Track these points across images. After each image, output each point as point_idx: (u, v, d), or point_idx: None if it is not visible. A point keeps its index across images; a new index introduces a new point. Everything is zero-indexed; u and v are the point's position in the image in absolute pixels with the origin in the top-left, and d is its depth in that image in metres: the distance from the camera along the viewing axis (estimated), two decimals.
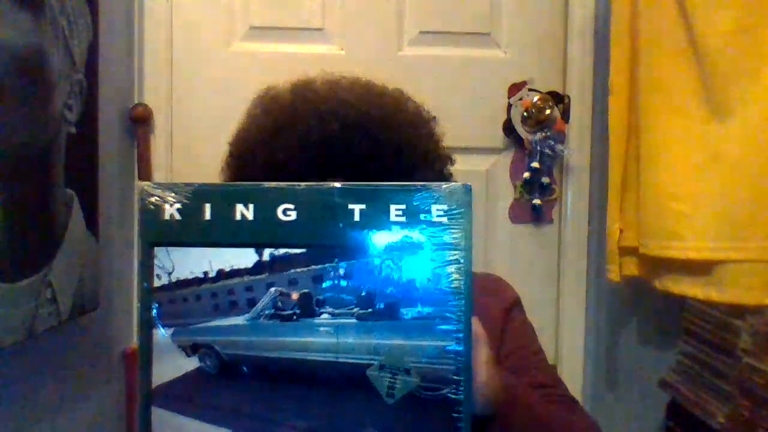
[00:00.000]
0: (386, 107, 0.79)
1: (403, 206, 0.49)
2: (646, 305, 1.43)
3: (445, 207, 0.49)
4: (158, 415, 0.50)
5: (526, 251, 1.50)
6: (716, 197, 1.09)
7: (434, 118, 0.82)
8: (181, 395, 0.51)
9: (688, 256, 1.11)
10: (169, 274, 0.50)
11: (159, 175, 1.41)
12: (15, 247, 0.89)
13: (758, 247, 1.06)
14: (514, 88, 1.47)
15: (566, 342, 1.49)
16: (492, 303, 0.83)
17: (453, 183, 0.49)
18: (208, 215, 0.50)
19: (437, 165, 0.81)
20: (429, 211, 0.49)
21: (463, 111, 1.43)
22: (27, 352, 0.97)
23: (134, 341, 1.38)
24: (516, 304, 0.86)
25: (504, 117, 1.46)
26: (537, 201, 1.47)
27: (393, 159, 0.75)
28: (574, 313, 1.49)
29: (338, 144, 0.74)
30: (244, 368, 0.50)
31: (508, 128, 1.46)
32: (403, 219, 0.49)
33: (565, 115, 1.46)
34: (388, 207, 0.49)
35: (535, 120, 1.45)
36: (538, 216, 1.49)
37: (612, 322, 1.49)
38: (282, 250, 0.50)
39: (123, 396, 1.35)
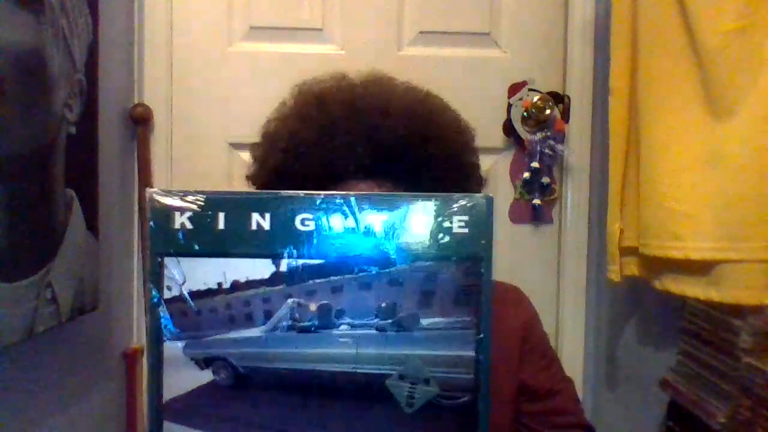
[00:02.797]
0: (444, 115, 0.79)
1: (424, 217, 0.48)
2: (646, 305, 1.43)
3: (466, 218, 0.48)
4: (170, 429, 0.49)
5: (526, 251, 1.50)
6: (716, 197, 1.09)
7: (472, 129, 0.83)
8: (195, 409, 0.50)
9: (688, 256, 1.11)
10: (181, 285, 0.49)
11: (159, 175, 1.41)
12: (15, 247, 0.89)
13: (758, 247, 1.06)
14: (514, 88, 1.47)
15: (566, 342, 1.49)
16: (513, 316, 0.84)
17: (474, 194, 0.49)
18: (221, 224, 0.49)
19: (477, 176, 0.82)
20: (451, 222, 0.48)
21: (463, 111, 1.41)
22: (27, 352, 0.97)
23: (134, 341, 1.38)
24: (535, 317, 0.88)
25: (504, 117, 1.46)
26: (537, 201, 1.47)
27: (446, 168, 0.75)
28: (574, 313, 1.49)
29: (401, 146, 0.73)
30: (261, 381, 0.49)
31: (508, 128, 1.46)
32: (423, 230, 0.48)
33: (565, 115, 1.46)
34: (409, 217, 0.48)
35: (535, 120, 1.45)
36: (538, 216, 1.49)
37: (612, 322, 1.49)
38: (300, 261, 0.49)
39: (123, 396, 1.35)
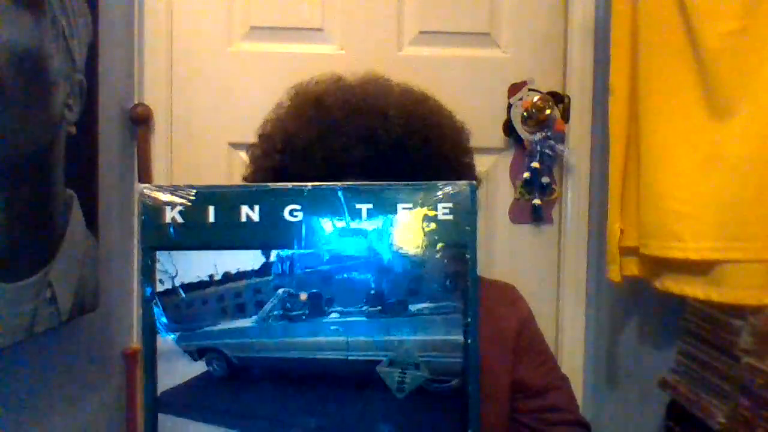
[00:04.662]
0: (441, 116, 0.80)
1: (410, 205, 0.49)
2: (646, 305, 1.43)
3: (450, 205, 0.49)
4: (165, 421, 0.50)
5: (526, 251, 1.50)
6: (716, 197, 1.09)
7: (467, 129, 0.85)
8: (189, 400, 0.50)
9: (688, 256, 1.11)
10: (173, 278, 0.50)
11: (159, 175, 1.41)
12: (15, 247, 0.89)
13: (758, 247, 1.06)
14: (514, 88, 1.47)
15: (566, 342, 1.49)
16: (508, 314, 0.85)
17: (458, 182, 0.50)
18: (212, 218, 0.50)
19: (473, 176, 0.84)
20: (436, 210, 0.49)
21: (463, 111, 1.42)
22: (27, 352, 0.97)
23: (134, 341, 1.38)
24: (530, 315, 0.88)
25: (504, 117, 1.46)
26: (537, 201, 1.47)
27: (442, 168, 0.76)
28: (574, 313, 1.49)
29: (400, 147, 0.74)
30: (254, 370, 0.50)
31: (508, 128, 1.46)
32: (409, 217, 0.49)
33: (565, 115, 1.46)
34: (395, 206, 0.49)
35: (535, 120, 1.45)
36: (538, 216, 1.49)
37: (612, 322, 1.49)
38: (290, 251, 0.50)
39: (123, 396, 1.35)
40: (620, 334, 1.49)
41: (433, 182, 0.50)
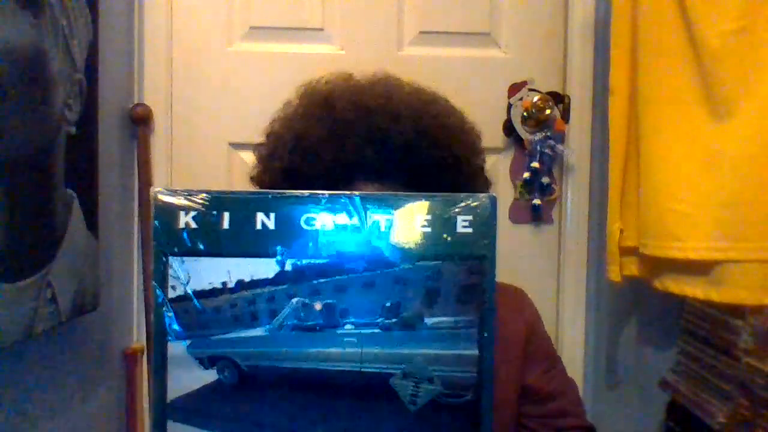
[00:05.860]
0: (452, 117, 0.79)
1: (429, 216, 0.49)
2: (646, 305, 1.43)
3: (470, 218, 0.49)
4: (175, 429, 0.49)
5: (526, 251, 1.50)
6: (716, 197, 1.09)
7: (478, 131, 0.83)
8: (199, 408, 0.50)
9: (688, 256, 1.11)
10: (185, 284, 0.49)
11: (159, 175, 1.41)
12: (15, 247, 0.89)
13: (758, 247, 1.06)
14: (514, 88, 1.46)
15: (566, 342, 1.49)
16: (516, 319, 0.84)
17: (478, 194, 0.49)
18: (226, 224, 0.49)
19: (484, 178, 0.83)
20: (455, 222, 0.48)
21: (463, 111, 1.43)
22: (27, 352, 0.97)
23: (134, 341, 1.38)
24: (538, 320, 0.88)
25: (504, 117, 1.46)
26: (537, 201, 1.47)
27: (454, 170, 0.76)
28: (574, 312, 1.49)
29: (410, 148, 0.73)
30: (266, 380, 0.49)
31: (508, 128, 1.46)
32: (428, 229, 0.48)
33: (565, 115, 1.46)
34: (414, 217, 0.49)
35: (535, 120, 1.45)
36: (538, 216, 1.49)
37: (612, 322, 1.49)
38: (305, 260, 0.49)
39: (123, 396, 1.35)
40: (620, 334, 1.49)
41: (453, 194, 0.49)
